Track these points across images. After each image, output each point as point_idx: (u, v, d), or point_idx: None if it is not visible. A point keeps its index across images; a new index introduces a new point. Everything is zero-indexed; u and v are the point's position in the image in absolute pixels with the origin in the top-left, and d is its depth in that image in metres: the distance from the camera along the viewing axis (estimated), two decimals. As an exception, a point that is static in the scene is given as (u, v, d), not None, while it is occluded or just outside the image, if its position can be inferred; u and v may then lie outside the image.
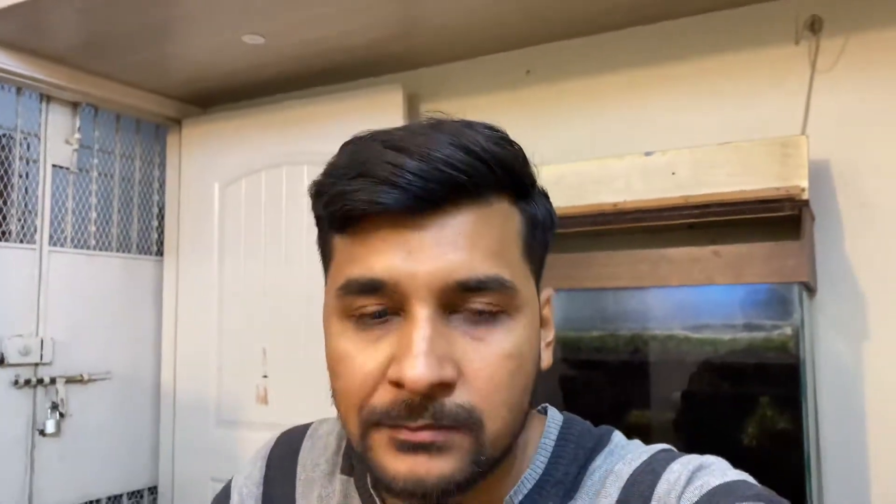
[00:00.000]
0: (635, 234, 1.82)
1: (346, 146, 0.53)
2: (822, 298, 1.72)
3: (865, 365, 1.68)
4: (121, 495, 2.48)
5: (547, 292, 0.58)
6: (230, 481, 0.74)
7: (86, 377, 2.34)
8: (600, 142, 2.00)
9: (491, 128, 0.52)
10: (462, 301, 0.49)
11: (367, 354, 0.50)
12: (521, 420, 0.52)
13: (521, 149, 0.53)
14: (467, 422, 0.48)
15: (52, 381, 2.25)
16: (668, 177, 1.73)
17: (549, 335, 0.58)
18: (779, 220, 1.63)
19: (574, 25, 2.02)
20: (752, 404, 1.52)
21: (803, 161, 1.62)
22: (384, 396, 0.48)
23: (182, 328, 2.54)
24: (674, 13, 1.93)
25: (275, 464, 0.70)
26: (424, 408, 0.47)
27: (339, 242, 0.53)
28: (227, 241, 2.48)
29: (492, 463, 0.50)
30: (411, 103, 2.25)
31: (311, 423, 0.74)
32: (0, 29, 1.97)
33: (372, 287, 0.49)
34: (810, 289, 1.63)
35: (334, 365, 0.52)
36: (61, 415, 2.26)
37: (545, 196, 0.58)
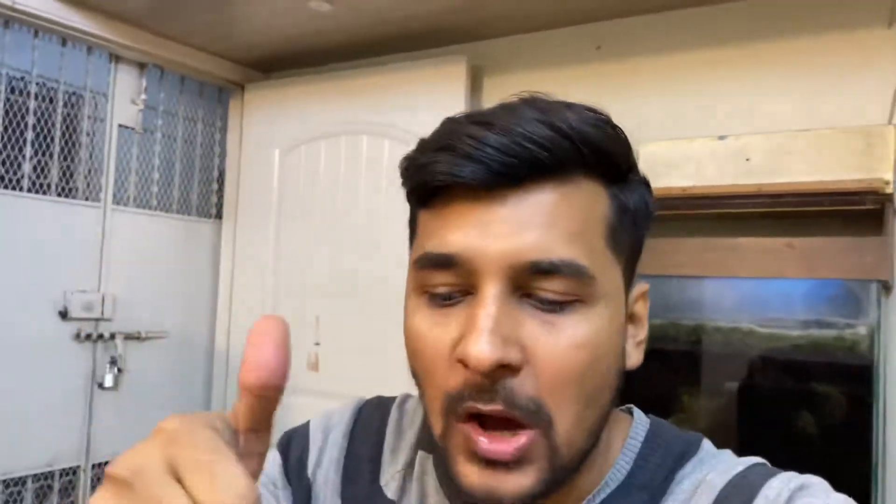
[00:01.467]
0: (704, 221, 1.76)
1: (441, 124, 0.52)
2: (899, 297, 1.64)
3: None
4: (173, 451, 2.54)
5: (641, 287, 0.55)
6: (307, 423, 0.70)
7: (143, 334, 2.39)
8: (672, 123, 1.93)
9: (591, 109, 0.49)
10: (535, 283, 0.47)
11: (437, 334, 0.49)
12: (598, 419, 0.50)
13: (621, 133, 0.51)
14: (536, 417, 0.46)
15: (112, 336, 2.30)
16: (741, 163, 1.66)
17: (641, 333, 0.54)
18: (857, 213, 1.56)
19: (647, 1, 1.94)
20: (820, 403, 1.46)
21: (889, 152, 1.54)
22: (457, 378, 0.47)
23: (237, 292, 2.58)
24: (757, -10, 1.84)
25: (363, 421, 0.69)
26: (493, 389, 0.46)
27: (422, 217, 0.52)
28: (284, 207, 2.49)
29: (570, 470, 0.49)
30: (475, 75, 2.21)
31: (397, 396, 0.72)
32: (73, -12, 1.99)
33: (445, 261, 0.48)
34: (888, 287, 1.56)
35: (410, 344, 0.52)
36: (119, 370, 2.31)
37: (645, 184, 0.54)
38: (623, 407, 0.60)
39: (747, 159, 1.66)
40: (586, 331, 0.47)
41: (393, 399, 0.71)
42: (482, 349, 0.44)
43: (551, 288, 0.47)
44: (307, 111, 2.45)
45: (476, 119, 0.48)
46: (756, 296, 1.57)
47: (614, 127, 0.50)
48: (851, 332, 1.45)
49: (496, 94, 2.20)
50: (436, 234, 0.49)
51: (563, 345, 0.46)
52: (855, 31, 1.76)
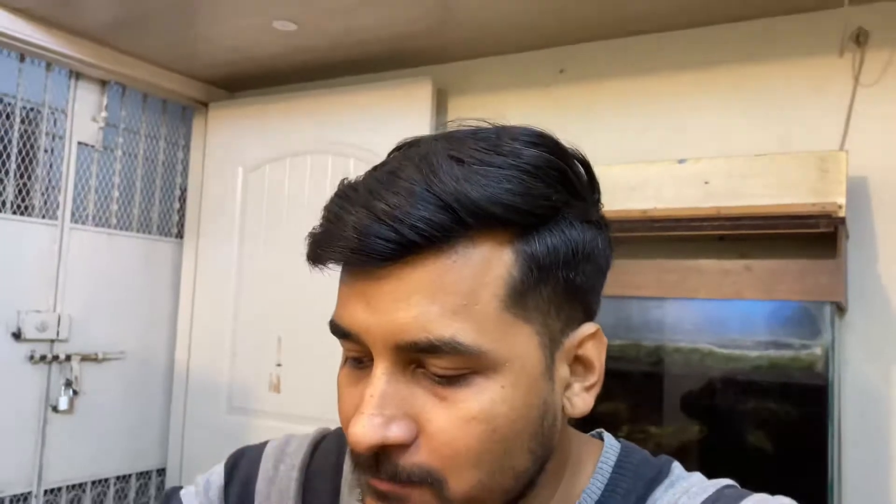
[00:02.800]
0: (663, 244, 1.78)
1: (333, 195, 0.52)
2: (852, 319, 1.68)
3: (894, 388, 1.63)
4: (129, 475, 2.48)
5: (586, 329, 0.51)
6: (263, 444, 0.69)
7: (100, 356, 2.34)
8: (632, 147, 1.96)
9: (523, 140, 0.47)
10: (422, 359, 0.46)
11: (348, 395, 0.50)
12: (516, 476, 0.49)
13: (547, 170, 0.47)
14: (426, 480, 0.46)
15: (68, 357, 2.25)
16: (700, 186, 1.69)
17: (591, 377, 0.52)
18: (812, 236, 1.59)
19: (610, 26, 1.98)
20: (776, 423, 1.48)
21: (842, 177, 1.58)
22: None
23: (198, 312, 2.54)
24: (715, 19, 1.89)
25: (322, 455, 0.67)
26: (379, 463, 0.46)
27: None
28: (247, 227, 2.47)
29: None
30: (440, 97, 2.23)
31: None
32: (33, 3, 1.96)
33: (343, 334, 0.49)
34: (841, 308, 1.59)
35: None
36: (74, 392, 2.26)
37: (578, 223, 0.50)
38: (594, 432, 0.60)
39: (706, 182, 1.69)
40: (481, 403, 0.46)
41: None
42: (360, 432, 0.45)
43: (438, 364, 0.45)
44: (272, 130, 2.44)
45: (364, 187, 0.47)
46: (715, 317, 1.59)
47: (534, 169, 0.46)
48: (807, 353, 1.47)
49: (460, 115, 2.22)
50: (338, 303, 0.50)
51: (455, 419, 0.45)
52: (809, 58, 1.81)
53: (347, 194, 0.49)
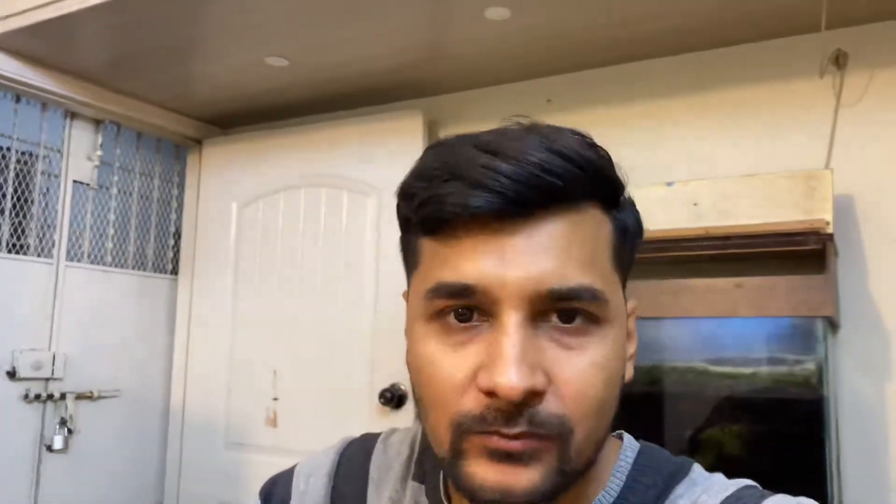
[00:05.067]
0: (655, 265, 1.80)
1: (432, 149, 0.52)
2: (845, 335, 1.69)
3: (889, 403, 1.64)
4: (125, 515, 2.45)
5: (632, 303, 0.56)
6: (293, 467, 0.72)
7: (95, 394, 2.32)
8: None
9: (580, 133, 0.51)
10: (552, 309, 0.48)
11: (453, 360, 0.49)
12: (606, 432, 0.52)
13: (609, 155, 0.52)
14: (559, 431, 0.47)
15: (62, 396, 2.23)
16: (689, 207, 1.71)
17: (633, 347, 0.56)
18: (801, 253, 1.61)
19: (596, 55, 2.02)
20: (773, 440, 1.48)
21: (828, 195, 1.61)
22: (477, 403, 0.47)
23: (193, 348, 2.53)
24: (698, 45, 1.93)
25: (347, 460, 0.69)
26: (520, 414, 0.46)
27: (428, 245, 0.52)
28: (242, 262, 2.48)
29: (576, 474, 0.50)
30: (431, 129, 2.26)
31: (382, 432, 0.73)
32: (29, 45, 2.00)
33: (462, 291, 0.48)
34: (833, 324, 1.60)
35: (419, 370, 0.51)
36: (69, 431, 2.24)
37: (633, 205, 0.56)
38: (614, 433, 0.61)
39: (695, 204, 1.71)
40: (602, 351, 0.49)
41: (378, 434, 0.72)
42: (514, 380, 0.45)
43: (570, 311, 0.48)
44: (265, 165, 2.47)
45: (483, 146, 0.48)
46: (708, 336, 1.60)
47: (602, 149, 0.51)
48: (801, 369, 1.48)
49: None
50: (450, 263, 0.49)
51: (583, 367, 0.48)
52: (792, 81, 1.85)
53: (459, 150, 0.49)
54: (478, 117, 2.25)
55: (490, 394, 0.46)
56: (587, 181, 0.49)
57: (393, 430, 0.72)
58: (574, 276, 0.47)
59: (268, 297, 2.39)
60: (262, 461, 2.31)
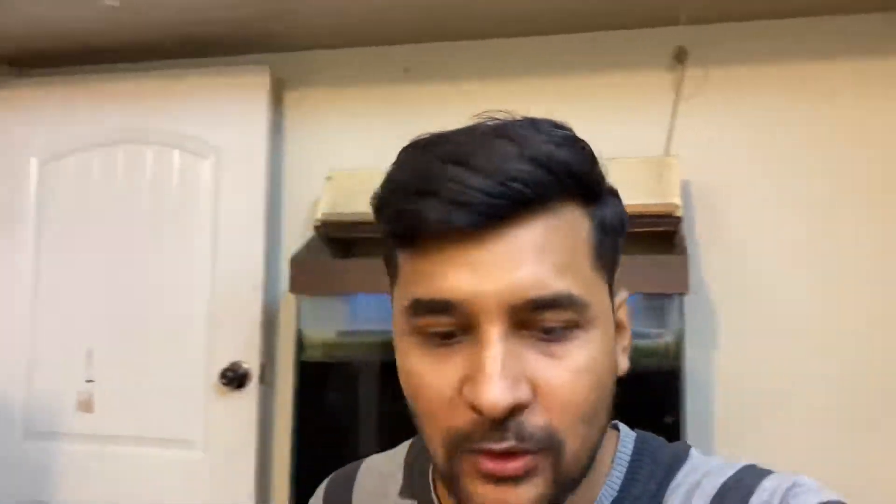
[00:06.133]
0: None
1: (403, 155, 0.52)
2: (694, 308, 1.82)
3: (714, 369, 1.82)
4: None
5: (622, 295, 0.56)
6: None
7: None
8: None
9: (559, 126, 0.50)
10: (532, 318, 0.47)
11: (438, 375, 0.49)
12: (599, 435, 0.52)
13: (589, 148, 0.51)
14: (549, 444, 0.47)
15: None
16: None
17: (626, 339, 0.56)
18: (649, 234, 1.73)
19: (457, 27, 2.00)
20: (632, 411, 1.58)
21: (676, 180, 1.74)
22: (464, 417, 0.47)
23: (-18, 324, 2.17)
24: (558, 28, 1.98)
25: (333, 496, 0.70)
26: (506, 429, 0.46)
27: (404, 258, 0.51)
28: (46, 225, 2.15)
29: (573, 482, 0.50)
30: (278, 88, 2.11)
31: (363, 460, 0.73)
32: None
33: (440, 307, 0.48)
34: (683, 298, 1.74)
35: (408, 384, 0.51)
36: None
37: (614, 195, 0.55)
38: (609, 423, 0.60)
39: None
40: (587, 356, 0.48)
41: (357, 465, 0.72)
42: (496, 396, 0.44)
43: (550, 320, 0.47)
44: (77, 116, 2.16)
45: (453, 158, 0.47)
46: None
47: (581, 143, 0.50)
48: (658, 342, 1.60)
49: (298, 108, 2.12)
50: (425, 279, 0.48)
51: (567, 373, 0.47)
52: (641, 72, 1.97)
53: (430, 162, 0.48)
54: (329, 79, 2.14)
55: (477, 411, 0.46)
56: (560, 184, 0.48)
57: (373, 457, 0.72)
58: (552, 284, 0.47)
59: (82, 267, 2.10)
60: (74, 450, 2.06)
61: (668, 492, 0.55)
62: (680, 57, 1.95)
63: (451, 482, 0.50)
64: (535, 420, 0.47)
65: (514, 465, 0.46)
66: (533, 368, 0.47)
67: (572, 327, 0.48)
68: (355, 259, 1.74)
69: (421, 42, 2.08)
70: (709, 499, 0.53)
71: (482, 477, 0.47)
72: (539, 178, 0.46)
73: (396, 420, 1.66)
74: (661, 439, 0.60)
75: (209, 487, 1.95)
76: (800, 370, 1.80)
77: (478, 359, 0.46)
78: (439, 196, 0.46)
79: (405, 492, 0.65)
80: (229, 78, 2.07)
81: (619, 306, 0.55)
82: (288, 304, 2.04)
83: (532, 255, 0.47)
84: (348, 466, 0.72)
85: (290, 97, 2.16)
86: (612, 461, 0.57)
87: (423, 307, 0.48)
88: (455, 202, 0.45)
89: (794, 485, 0.52)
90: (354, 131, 2.08)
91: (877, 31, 1.86)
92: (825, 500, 0.50)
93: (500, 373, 0.45)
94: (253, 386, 1.96)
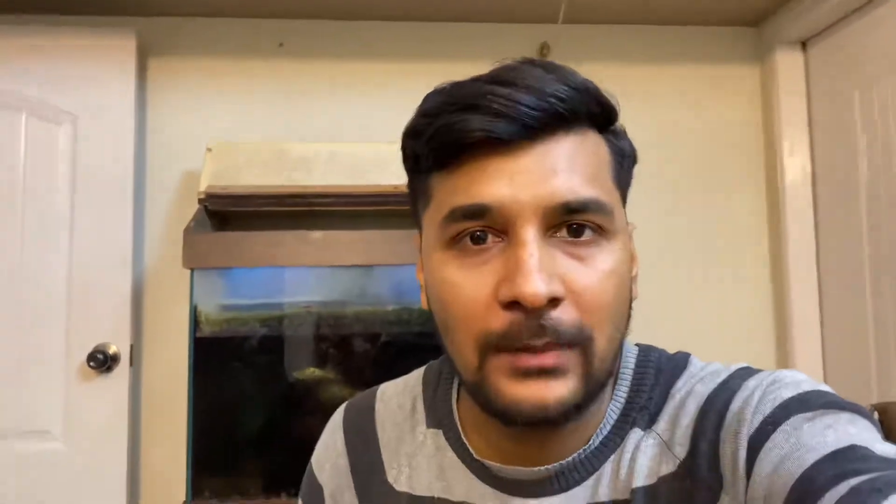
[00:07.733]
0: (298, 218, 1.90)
1: (435, 92, 0.55)
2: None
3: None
4: None
5: (630, 225, 0.60)
6: (309, 468, 0.73)
7: None
8: (348, 126, 2.03)
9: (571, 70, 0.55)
10: (563, 223, 0.52)
11: (474, 280, 0.52)
12: (621, 340, 0.56)
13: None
14: (580, 339, 0.51)
15: None
16: (347, 167, 1.84)
17: (635, 268, 0.60)
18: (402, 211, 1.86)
19: (331, 6, 1.99)
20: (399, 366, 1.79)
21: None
22: (501, 320, 0.50)
23: None
24: (431, 16, 2.05)
25: (353, 431, 0.70)
26: (543, 325, 0.49)
27: (438, 179, 0.55)
28: None
29: (599, 384, 0.54)
30: (141, 54, 1.97)
31: (375, 389, 0.73)
32: None
33: (478, 212, 0.51)
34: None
35: (441, 295, 0.54)
36: None
37: (626, 132, 0.60)
38: None
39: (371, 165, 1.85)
40: (611, 261, 0.53)
41: (371, 395, 0.72)
42: (537, 286, 0.48)
43: (580, 223, 0.52)
44: None
45: (496, 80, 0.52)
46: (356, 282, 1.80)
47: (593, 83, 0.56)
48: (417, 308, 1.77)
49: (164, 77, 2.02)
50: (462, 190, 0.52)
51: (595, 275, 0.52)
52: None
53: (472, 84, 0.52)
54: (198, 48, 2.04)
55: (512, 306, 0.49)
56: (588, 107, 0.54)
57: (385, 386, 0.73)
58: (582, 190, 0.52)
59: None
60: None
61: (669, 398, 0.58)
62: (543, 53, 2.12)
63: (481, 388, 0.52)
64: (567, 316, 0.50)
65: (550, 358, 0.50)
66: (564, 269, 0.51)
67: (598, 235, 0.52)
68: (252, 232, 1.70)
69: (296, 18, 2.06)
70: (700, 402, 0.56)
71: (518, 375, 0.50)
72: (574, 98, 0.52)
73: (292, 391, 1.69)
74: (663, 350, 0.64)
75: (71, 481, 1.80)
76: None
77: (515, 257, 0.50)
78: (483, 109, 0.50)
79: (431, 423, 0.66)
80: (89, 39, 1.90)
81: (630, 234, 0.60)
82: (157, 279, 1.94)
83: (565, 166, 0.51)
84: (361, 396, 0.73)
85: (156, 64, 2.03)
86: (617, 374, 0.60)
87: (461, 212, 0.52)
88: (499, 114, 0.50)
89: (774, 381, 0.54)
90: (229, 103, 2.02)
91: (698, 41, 2.15)
92: (803, 391, 0.52)
93: (538, 266, 0.49)
94: (122, 368, 1.85)
